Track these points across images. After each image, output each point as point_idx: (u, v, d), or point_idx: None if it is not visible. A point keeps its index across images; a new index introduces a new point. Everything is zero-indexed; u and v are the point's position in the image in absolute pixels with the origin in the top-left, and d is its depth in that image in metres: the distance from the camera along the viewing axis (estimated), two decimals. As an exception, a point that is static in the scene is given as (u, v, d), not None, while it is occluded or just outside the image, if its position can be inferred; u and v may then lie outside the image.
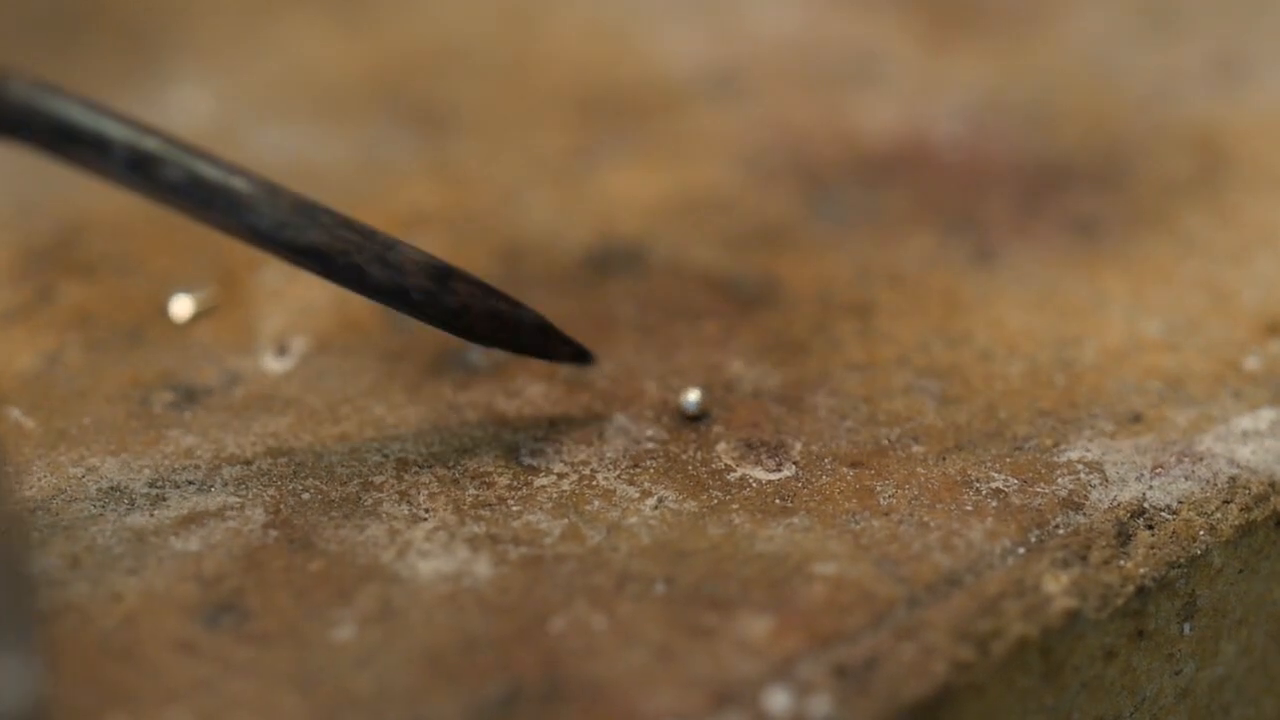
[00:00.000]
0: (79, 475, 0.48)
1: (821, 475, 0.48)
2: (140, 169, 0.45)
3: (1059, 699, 0.45)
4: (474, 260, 0.57)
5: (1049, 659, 0.45)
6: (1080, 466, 0.48)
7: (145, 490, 0.48)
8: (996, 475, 0.48)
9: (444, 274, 0.48)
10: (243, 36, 0.72)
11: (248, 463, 0.49)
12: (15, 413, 0.50)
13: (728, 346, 0.53)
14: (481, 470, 0.48)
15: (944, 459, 0.49)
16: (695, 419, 0.50)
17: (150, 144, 0.45)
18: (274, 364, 0.53)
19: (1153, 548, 0.46)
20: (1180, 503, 0.47)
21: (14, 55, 0.69)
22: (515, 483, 0.48)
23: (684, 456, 0.49)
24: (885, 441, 0.49)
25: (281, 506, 0.47)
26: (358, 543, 0.46)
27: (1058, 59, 0.69)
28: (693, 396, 0.50)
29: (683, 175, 0.62)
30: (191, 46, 0.71)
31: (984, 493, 0.48)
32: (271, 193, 0.46)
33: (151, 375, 0.52)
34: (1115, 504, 0.47)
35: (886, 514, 0.47)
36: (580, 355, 0.51)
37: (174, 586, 0.45)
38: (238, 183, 0.45)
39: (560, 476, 0.48)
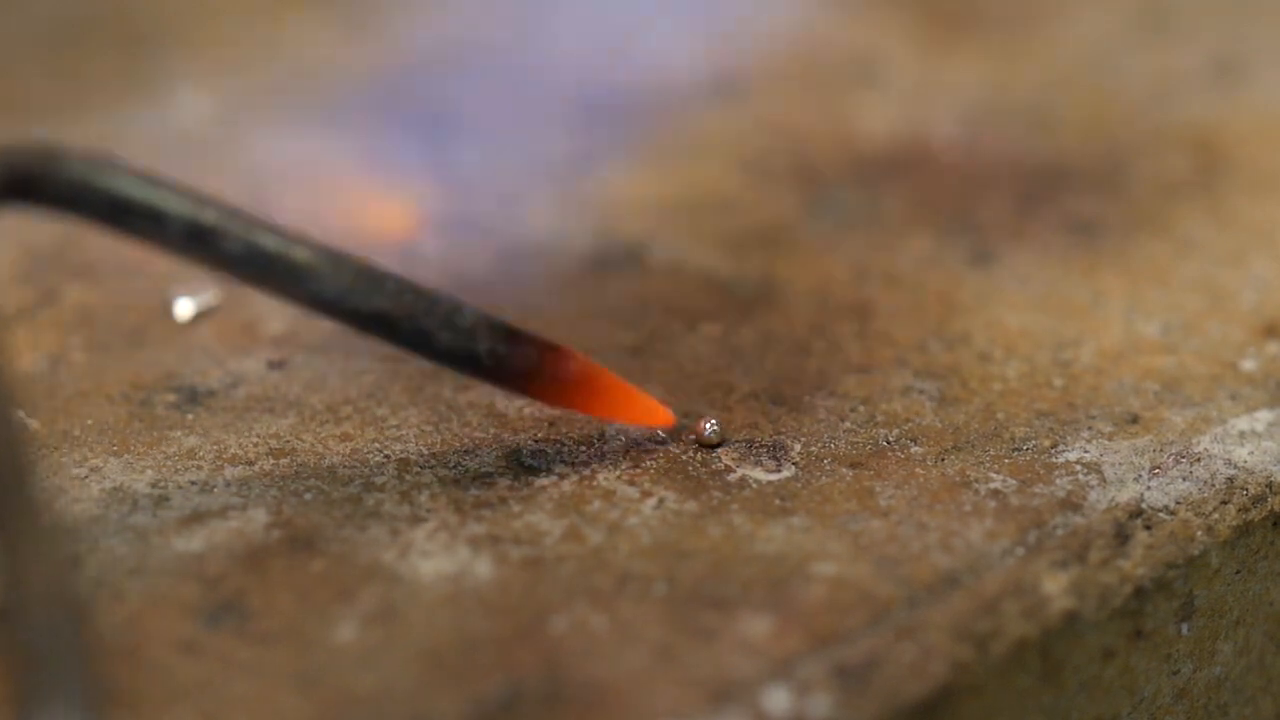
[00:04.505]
0: (82, 476, 0.48)
1: (821, 476, 0.48)
2: (199, 241, 0.45)
3: (1057, 699, 0.46)
4: (474, 263, 0.57)
5: (1048, 659, 0.45)
6: (1078, 467, 0.49)
7: (148, 491, 0.48)
8: (995, 476, 0.48)
9: (512, 336, 0.48)
10: (244, 38, 0.72)
11: (250, 463, 0.49)
12: (19, 415, 0.50)
13: (727, 347, 0.53)
14: (482, 471, 0.49)
15: (943, 460, 0.49)
16: (714, 447, 0.50)
17: (209, 216, 0.45)
18: (275, 365, 0.53)
19: (1150, 548, 0.46)
20: (1178, 503, 0.48)
21: (17, 58, 0.69)
22: (516, 483, 0.48)
23: (684, 457, 0.49)
24: (884, 442, 0.50)
25: (283, 507, 0.47)
26: (359, 543, 0.46)
27: (1056, 60, 0.69)
28: (711, 424, 0.49)
29: (683, 176, 0.62)
30: (193, 48, 0.71)
31: (982, 493, 0.48)
32: (334, 261, 0.46)
33: (153, 376, 0.52)
34: (1113, 505, 0.47)
35: (885, 514, 0.47)
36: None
37: (176, 587, 0.45)
38: (299, 252, 0.46)
39: (561, 477, 0.48)
